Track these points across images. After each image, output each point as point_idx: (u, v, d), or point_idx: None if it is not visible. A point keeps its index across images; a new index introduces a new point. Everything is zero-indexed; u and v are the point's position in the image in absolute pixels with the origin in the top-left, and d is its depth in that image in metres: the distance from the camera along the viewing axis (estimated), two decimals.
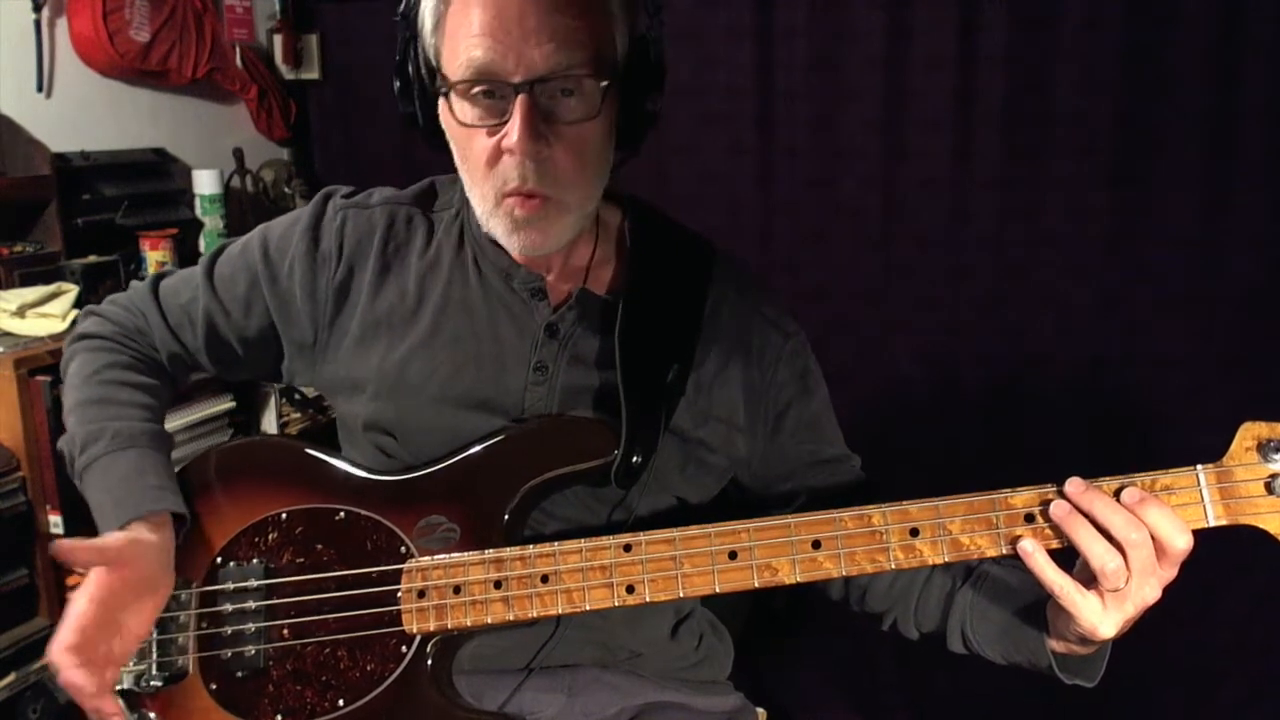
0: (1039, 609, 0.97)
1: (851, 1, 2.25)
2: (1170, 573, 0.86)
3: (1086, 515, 0.85)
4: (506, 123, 0.95)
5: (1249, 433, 0.87)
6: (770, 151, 2.37)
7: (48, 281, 2.00)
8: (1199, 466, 0.87)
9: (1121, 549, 0.84)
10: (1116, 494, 0.86)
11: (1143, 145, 2.10)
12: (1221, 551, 2.09)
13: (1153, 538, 0.84)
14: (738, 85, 2.35)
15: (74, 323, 1.90)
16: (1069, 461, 2.27)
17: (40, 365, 1.79)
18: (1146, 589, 0.85)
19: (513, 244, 1.02)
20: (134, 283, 1.25)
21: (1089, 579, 0.86)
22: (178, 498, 1.05)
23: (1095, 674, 0.98)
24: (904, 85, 2.24)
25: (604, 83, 0.96)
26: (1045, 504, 0.88)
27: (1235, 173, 2.05)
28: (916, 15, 2.21)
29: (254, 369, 1.24)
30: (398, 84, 1.04)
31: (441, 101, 1.00)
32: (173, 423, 2.04)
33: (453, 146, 1.03)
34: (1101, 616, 0.86)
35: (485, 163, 0.98)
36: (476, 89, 0.95)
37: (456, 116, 0.98)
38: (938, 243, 2.27)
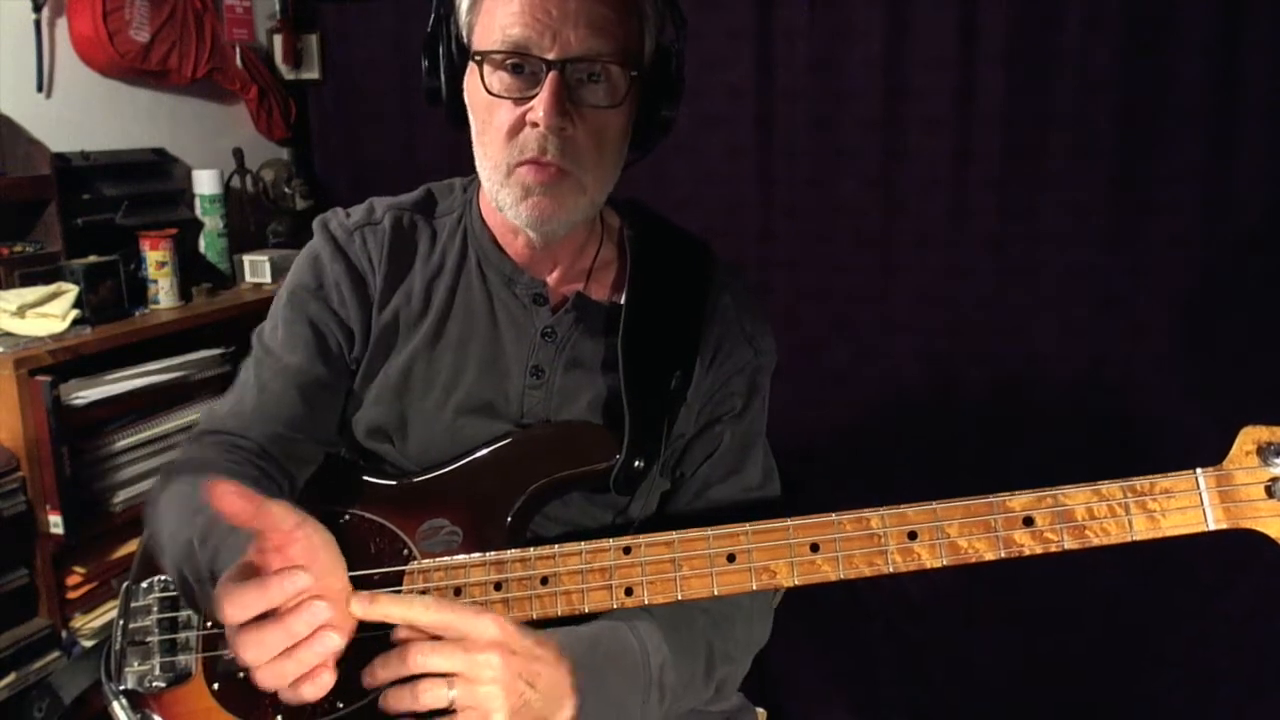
0: None
1: (851, 1, 2.24)
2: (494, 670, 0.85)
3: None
4: (534, 97, 0.98)
5: (1249, 436, 0.87)
6: (770, 152, 2.37)
7: (48, 281, 2.00)
8: (1198, 470, 0.87)
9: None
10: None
11: (1143, 145, 2.10)
12: (1221, 551, 2.10)
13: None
14: (738, 85, 2.35)
15: (74, 323, 1.91)
16: (1069, 461, 2.28)
17: (40, 365, 1.80)
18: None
19: (521, 213, 1.02)
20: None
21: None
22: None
23: None
24: (904, 85, 2.24)
25: (632, 73, 1.00)
26: (1043, 508, 0.89)
27: (1235, 173, 2.04)
28: (916, 15, 2.21)
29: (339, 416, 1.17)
30: (426, 60, 1.07)
31: (469, 72, 1.04)
32: (173, 423, 2.05)
33: (473, 118, 1.05)
34: None
35: (506, 133, 1.00)
36: (509, 61, 0.99)
37: (486, 85, 1.00)
38: (938, 243, 2.27)
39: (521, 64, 0.99)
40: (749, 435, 1.16)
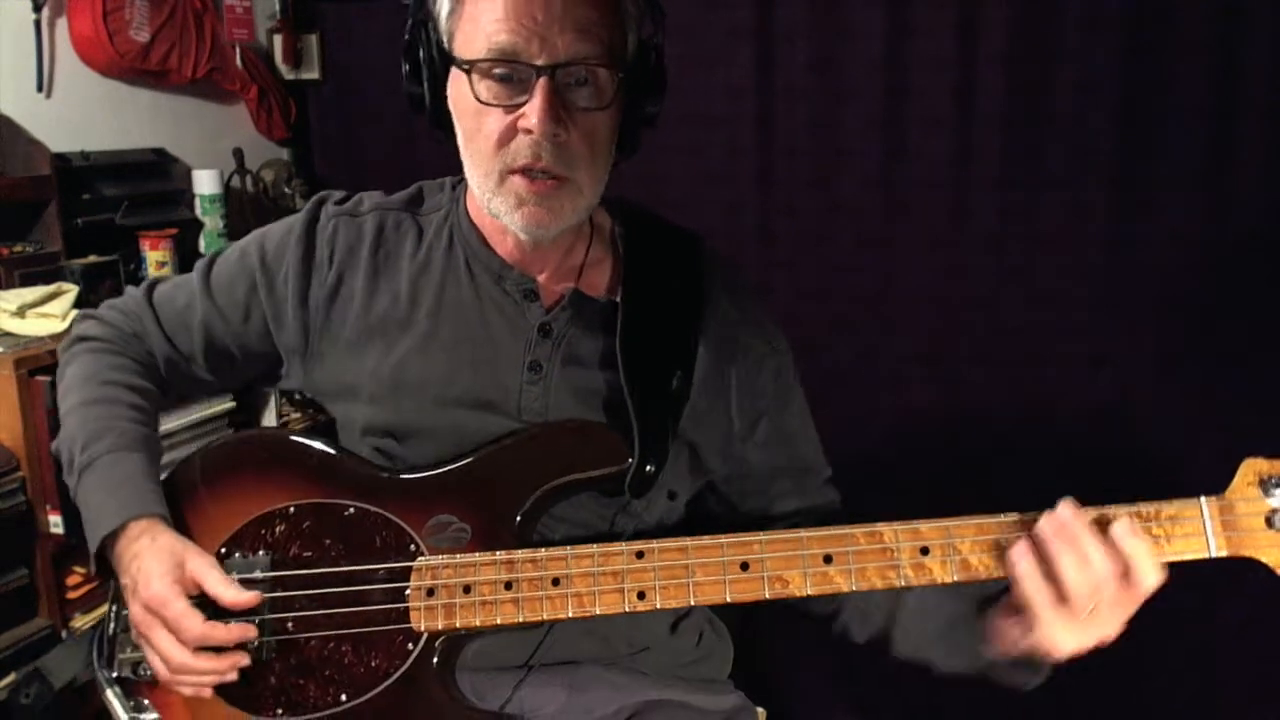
0: (983, 612, 0.98)
1: (851, 1, 2.24)
2: (1132, 609, 0.88)
3: (1071, 539, 0.87)
4: (524, 103, 0.97)
5: (1251, 468, 0.90)
6: (770, 151, 2.37)
7: (48, 281, 1.99)
8: (1203, 499, 0.90)
9: (1095, 577, 0.86)
10: (1104, 524, 0.88)
11: (1143, 145, 2.10)
12: (1221, 559, 2.09)
13: (1127, 569, 0.86)
14: (738, 85, 2.35)
15: (73, 323, 1.91)
16: (1069, 461, 2.27)
17: (40, 365, 1.79)
18: (1112, 623, 0.88)
19: (515, 220, 1.03)
20: (129, 289, 1.27)
21: (1057, 599, 0.88)
22: (164, 504, 1.08)
23: (1039, 674, 0.99)
24: (904, 85, 2.24)
25: (619, 75, 1.00)
26: None
27: (1235, 173, 2.05)
28: (916, 15, 2.21)
29: (250, 374, 1.26)
30: (406, 65, 1.05)
31: (454, 80, 1.03)
32: (173, 422, 2.05)
33: (459, 126, 1.05)
34: (1064, 636, 0.88)
35: (496, 141, 1.00)
36: (497, 69, 0.98)
37: (475, 93, 0.99)
38: (938, 243, 2.27)
39: (509, 71, 0.98)
40: (796, 427, 1.19)
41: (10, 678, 1.77)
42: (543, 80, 0.96)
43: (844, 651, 2.38)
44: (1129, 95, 2.09)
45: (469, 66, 0.99)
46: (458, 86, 1.02)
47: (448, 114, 1.06)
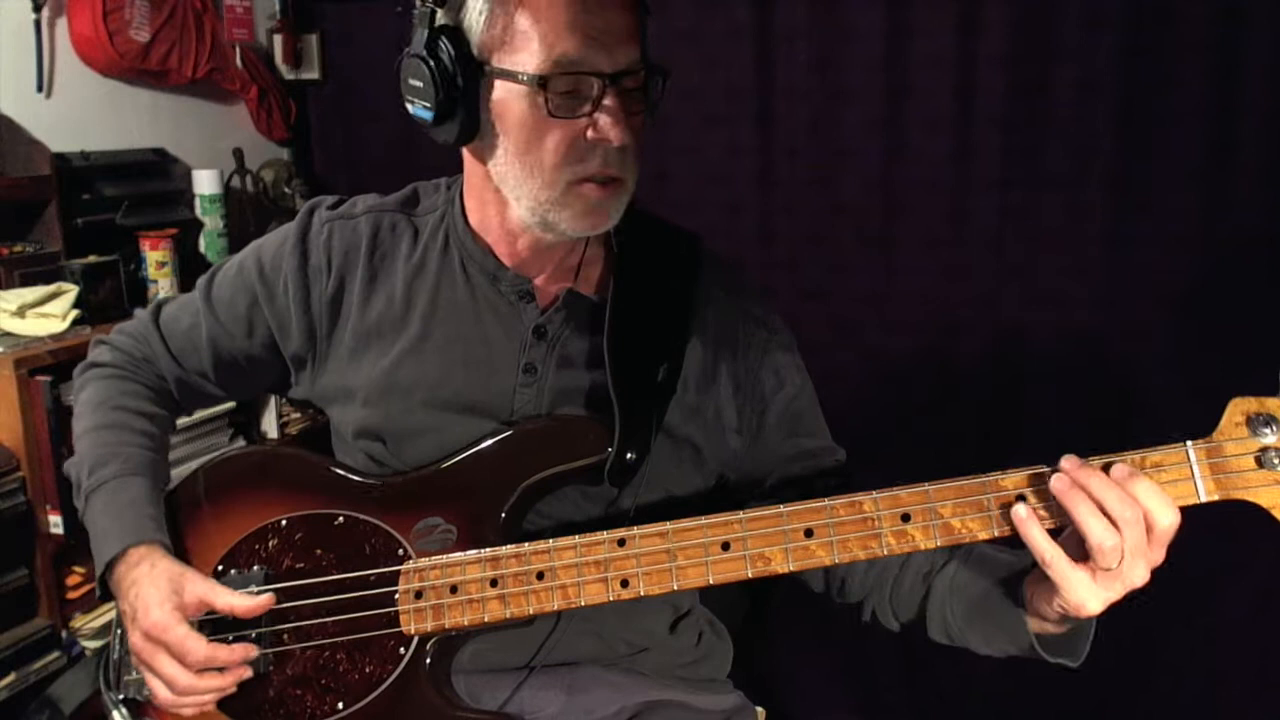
0: (1017, 586, 0.97)
1: (851, 1, 2.24)
2: (1158, 554, 0.85)
3: (1084, 490, 0.84)
4: (588, 113, 0.98)
5: (1238, 408, 0.87)
6: (770, 151, 2.37)
7: (48, 281, 2.00)
8: (1188, 442, 0.87)
9: (1116, 527, 0.83)
10: (1105, 469, 0.85)
11: (1143, 145, 2.10)
12: (1223, 550, 2.08)
13: (1144, 514, 0.83)
14: (738, 85, 2.35)
15: (74, 323, 1.91)
16: None
17: (40, 365, 1.80)
18: (1138, 570, 0.84)
19: (579, 226, 1.03)
20: (137, 311, 1.28)
21: (1077, 555, 0.85)
22: (164, 530, 1.09)
23: (1079, 653, 0.97)
24: (904, 85, 2.24)
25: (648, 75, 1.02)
26: (1036, 485, 0.87)
27: (1235, 173, 2.04)
28: (916, 15, 2.21)
29: (261, 385, 1.28)
30: (426, 75, 1.00)
31: (502, 91, 1.00)
32: None
33: (507, 138, 1.02)
34: (1090, 593, 0.85)
35: (564, 151, 0.99)
36: (564, 82, 0.97)
37: (548, 108, 0.98)
38: (938, 243, 2.27)
39: (575, 82, 0.97)
40: (803, 408, 1.18)
41: (10, 677, 1.77)
42: (614, 89, 0.97)
43: (844, 651, 2.40)
44: (1129, 95, 2.09)
45: (542, 80, 0.97)
46: (508, 99, 1.00)
47: (477, 126, 1.03)
